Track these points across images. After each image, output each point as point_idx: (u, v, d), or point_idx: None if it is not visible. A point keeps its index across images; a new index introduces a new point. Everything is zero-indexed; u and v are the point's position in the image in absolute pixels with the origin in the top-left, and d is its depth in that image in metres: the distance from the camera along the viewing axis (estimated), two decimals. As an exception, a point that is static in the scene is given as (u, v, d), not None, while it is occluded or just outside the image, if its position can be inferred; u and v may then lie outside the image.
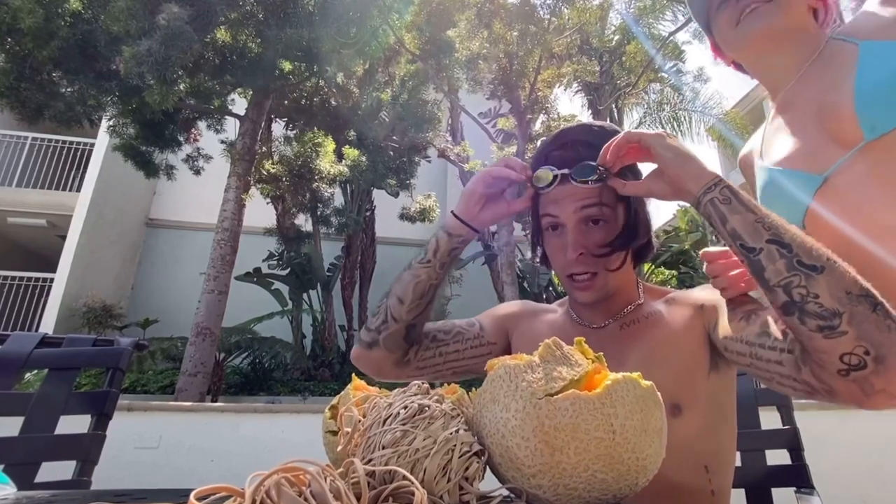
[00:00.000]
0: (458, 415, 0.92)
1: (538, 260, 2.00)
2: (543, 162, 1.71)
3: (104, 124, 13.99)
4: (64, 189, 18.54)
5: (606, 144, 1.56)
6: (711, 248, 1.64)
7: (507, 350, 1.94)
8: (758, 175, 1.86)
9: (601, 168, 1.61)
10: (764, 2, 1.74)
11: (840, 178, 1.54)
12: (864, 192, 1.49)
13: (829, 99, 1.60)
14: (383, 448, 0.86)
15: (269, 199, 17.00)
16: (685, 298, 1.73)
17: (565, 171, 1.63)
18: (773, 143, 1.82)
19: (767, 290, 1.20)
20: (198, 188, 18.08)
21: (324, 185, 14.89)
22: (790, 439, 2.28)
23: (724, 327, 1.48)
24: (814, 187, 1.59)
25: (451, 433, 0.86)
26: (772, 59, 1.83)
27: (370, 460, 0.85)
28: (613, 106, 22.81)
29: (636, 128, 18.02)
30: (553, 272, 2.09)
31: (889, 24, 1.58)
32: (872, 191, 1.48)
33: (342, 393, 1.10)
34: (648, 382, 0.87)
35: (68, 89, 12.00)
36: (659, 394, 0.89)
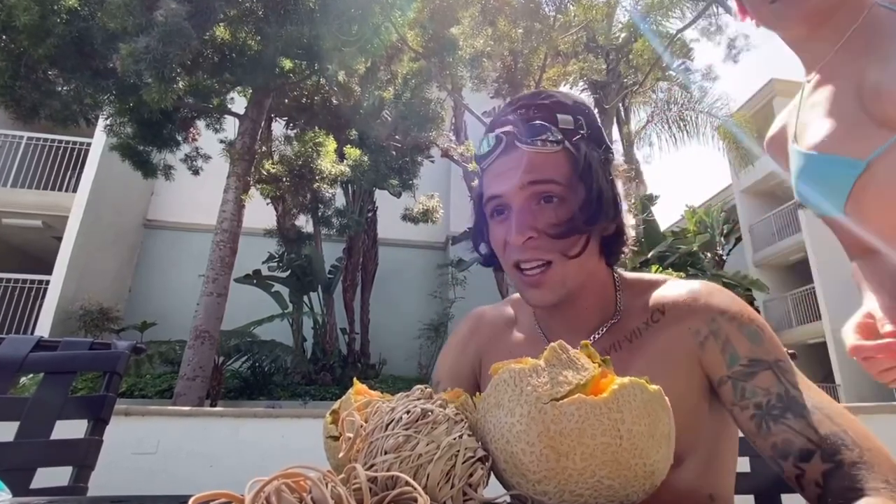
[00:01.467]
0: (462, 420, 0.92)
1: (480, 261, 1.69)
2: (490, 129, 1.49)
3: (101, 123, 14.01)
4: (60, 189, 18.58)
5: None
6: (861, 343, 1.39)
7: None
8: (792, 159, 1.70)
9: (556, 130, 1.38)
10: None
11: (882, 164, 1.44)
12: None
13: (871, 76, 1.49)
14: (385, 453, 0.85)
15: (269, 200, 17.02)
16: (676, 311, 1.42)
17: (509, 129, 1.41)
18: (809, 123, 1.65)
19: None
20: (196, 188, 18.13)
21: (325, 186, 14.90)
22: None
23: (745, 424, 1.22)
24: (855, 173, 1.49)
25: (454, 438, 0.86)
26: (808, 39, 1.69)
27: (372, 466, 0.85)
28: (620, 105, 22.83)
29: (644, 126, 17.96)
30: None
31: None
32: None
33: (344, 397, 1.09)
34: (656, 387, 0.87)
35: (64, 88, 12.03)
36: (667, 398, 0.88)
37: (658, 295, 1.48)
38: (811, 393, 1.17)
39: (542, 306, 1.48)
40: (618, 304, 1.52)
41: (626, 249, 1.54)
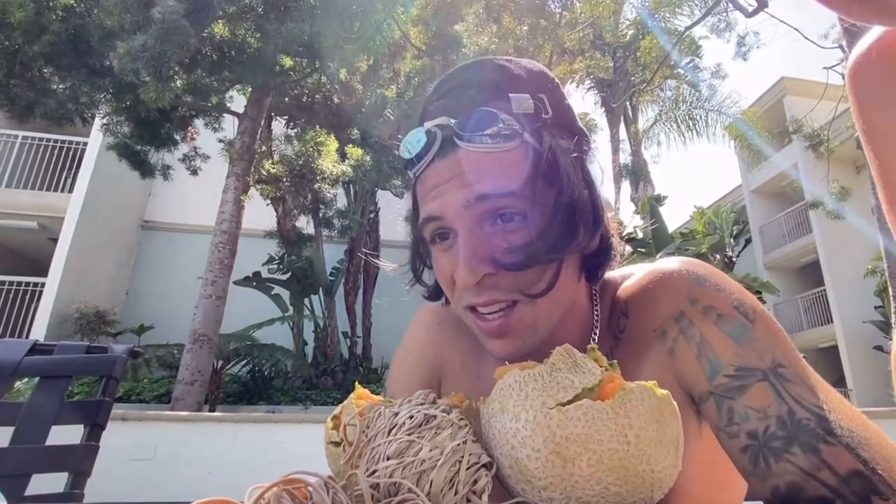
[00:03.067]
0: (467, 425, 0.91)
1: (424, 295, 1.32)
2: (420, 122, 1.10)
3: (97, 122, 14.03)
4: (55, 190, 18.60)
5: None
6: None
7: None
8: None
9: (508, 118, 1.02)
10: None
11: None
12: None
13: None
14: (388, 459, 0.85)
15: (269, 201, 17.03)
16: (637, 309, 1.16)
17: (441, 120, 1.04)
18: None
19: None
20: (195, 189, 18.13)
21: (326, 186, 14.90)
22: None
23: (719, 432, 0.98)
24: None
25: (458, 444, 0.85)
26: None
27: (374, 472, 0.84)
28: (628, 103, 22.84)
29: (652, 125, 17.99)
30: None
31: None
32: None
33: (345, 402, 1.07)
34: (664, 391, 0.85)
35: (60, 86, 12.05)
36: (675, 403, 0.87)
37: (621, 292, 1.21)
38: (828, 409, 0.89)
39: (509, 360, 1.09)
40: (595, 324, 1.21)
41: (613, 265, 1.20)
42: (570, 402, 0.81)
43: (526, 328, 1.06)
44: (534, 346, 1.07)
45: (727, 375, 0.97)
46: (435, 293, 1.26)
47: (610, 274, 1.27)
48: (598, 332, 1.19)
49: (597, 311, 1.21)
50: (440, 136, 1.03)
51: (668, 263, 1.15)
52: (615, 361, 0.92)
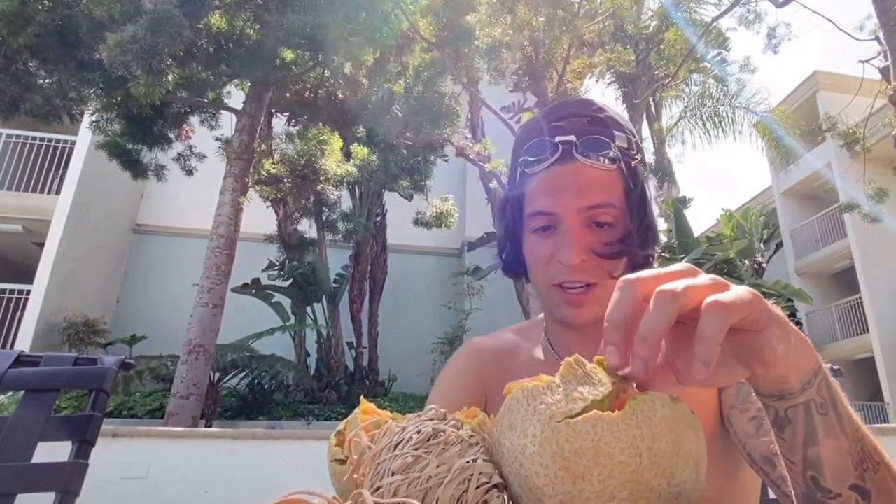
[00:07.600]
0: (478, 442, 0.92)
1: (501, 266, 1.69)
2: (538, 134, 1.47)
3: (86, 119, 14.09)
4: (42, 191, 18.62)
5: (702, 333, 0.89)
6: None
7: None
8: None
9: (615, 147, 1.40)
10: None
11: None
12: None
13: None
14: (392, 475, 0.86)
15: (269, 203, 17.04)
16: None
17: (571, 138, 1.39)
18: None
19: None
20: (190, 190, 18.14)
21: (330, 187, 14.87)
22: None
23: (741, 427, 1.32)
24: None
25: (468, 461, 0.86)
26: None
27: (378, 489, 0.85)
28: (650, 99, 22.75)
29: (676, 123, 17.90)
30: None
31: None
32: None
33: (350, 417, 1.08)
34: (681, 401, 0.86)
35: (47, 80, 12.05)
36: (696, 415, 0.87)
37: None
38: None
39: (579, 326, 1.49)
40: None
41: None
42: (579, 415, 0.82)
43: (595, 304, 1.41)
44: (597, 318, 1.25)
45: None
46: (510, 266, 1.61)
47: None
48: None
49: None
50: (562, 148, 1.39)
51: None
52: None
